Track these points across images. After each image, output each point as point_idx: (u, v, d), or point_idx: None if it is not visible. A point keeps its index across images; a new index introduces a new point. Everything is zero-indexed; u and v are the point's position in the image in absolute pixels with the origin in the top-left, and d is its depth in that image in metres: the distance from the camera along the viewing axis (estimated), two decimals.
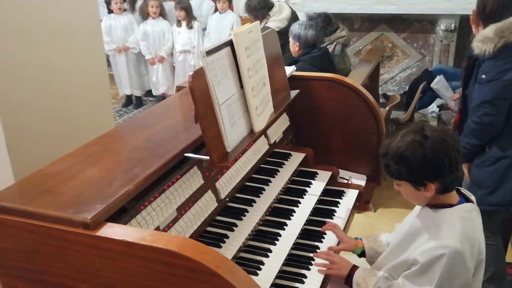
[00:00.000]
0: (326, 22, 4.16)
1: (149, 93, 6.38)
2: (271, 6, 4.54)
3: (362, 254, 1.81)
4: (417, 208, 1.62)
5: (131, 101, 6.27)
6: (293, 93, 2.12)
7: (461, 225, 1.43)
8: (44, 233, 1.20)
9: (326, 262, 1.68)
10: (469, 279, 1.43)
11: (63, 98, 2.69)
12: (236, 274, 1.09)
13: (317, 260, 1.70)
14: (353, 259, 1.78)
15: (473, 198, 1.57)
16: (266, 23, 4.43)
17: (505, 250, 2.84)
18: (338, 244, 1.84)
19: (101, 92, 3.00)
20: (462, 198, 1.54)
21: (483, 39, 2.19)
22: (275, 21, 4.44)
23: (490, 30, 2.18)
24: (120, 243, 1.13)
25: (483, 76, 2.24)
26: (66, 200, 1.25)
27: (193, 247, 1.10)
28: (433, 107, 4.88)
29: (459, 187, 1.58)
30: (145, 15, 5.79)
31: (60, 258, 1.21)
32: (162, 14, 5.79)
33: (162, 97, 5.92)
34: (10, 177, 2.33)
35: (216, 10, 5.86)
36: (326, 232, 1.87)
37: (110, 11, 5.81)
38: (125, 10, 5.86)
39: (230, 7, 5.80)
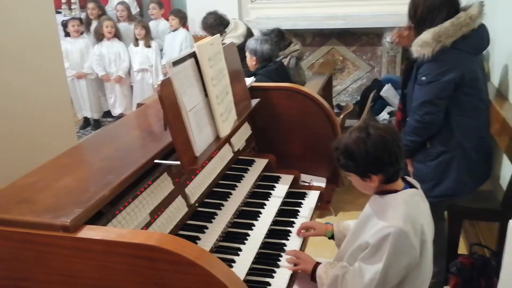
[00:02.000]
0: (279, 37, 4.33)
1: (106, 114, 6.36)
2: (226, 24, 4.68)
3: (333, 237, 1.96)
4: None
5: (89, 123, 6.22)
6: (254, 101, 2.23)
7: (404, 207, 1.58)
8: (23, 239, 1.23)
9: (294, 258, 1.79)
10: (415, 257, 1.57)
11: (23, 119, 2.68)
12: (214, 264, 1.17)
13: (286, 256, 1.81)
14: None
15: (417, 185, 1.73)
16: (222, 40, 4.56)
17: (457, 242, 3.03)
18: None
19: (63, 113, 3.01)
20: (407, 185, 1.70)
21: (422, 44, 2.33)
22: (232, 37, 4.58)
23: (428, 35, 2.32)
24: (101, 243, 1.19)
25: (423, 78, 2.39)
26: (44, 207, 1.30)
27: (171, 241, 1.18)
28: (384, 115, 5.13)
29: (405, 176, 1.74)
30: (99, 37, 5.80)
31: (40, 263, 1.25)
32: (117, 35, 5.82)
33: (121, 116, 5.91)
34: None
35: None
36: (292, 231, 1.98)
37: (67, 34, 5.77)
38: (82, 33, 5.84)
39: (185, 26, 5.90)
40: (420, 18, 2.42)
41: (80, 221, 1.24)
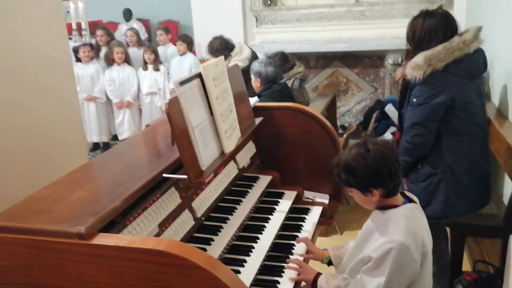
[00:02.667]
0: (283, 60, 4.46)
1: (116, 137, 6.49)
2: (232, 47, 4.82)
3: (330, 263, 1.99)
4: None
5: (98, 146, 6.35)
6: (258, 120, 2.33)
7: (405, 222, 1.63)
8: (41, 246, 1.32)
9: (297, 266, 1.85)
10: (417, 269, 1.62)
11: (36, 139, 2.78)
12: (220, 269, 1.25)
13: (289, 265, 1.86)
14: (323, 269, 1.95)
15: (416, 199, 1.79)
16: (228, 63, 4.69)
17: (460, 259, 3.06)
18: (307, 253, 2.02)
19: (75, 133, 3.11)
20: (406, 199, 1.76)
21: (414, 66, 2.37)
22: (237, 61, 4.69)
23: (420, 58, 2.37)
24: (113, 249, 1.27)
25: (414, 100, 2.43)
26: (59, 217, 1.38)
27: (179, 246, 1.26)
28: (388, 135, 5.21)
29: (404, 191, 1.81)
30: (110, 62, 5.97)
31: (56, 269, 1.33)
32: (127, 60, 5.99)
33: None
34: None
35: None
36: (296, 245, 2.04)
37: (78, 59, 5.95)
38: (92, 58, 6.02)
39: (192, 50, 6.07)
40: (418, 41, 2.47)
41: (93, 229, 1.32)
